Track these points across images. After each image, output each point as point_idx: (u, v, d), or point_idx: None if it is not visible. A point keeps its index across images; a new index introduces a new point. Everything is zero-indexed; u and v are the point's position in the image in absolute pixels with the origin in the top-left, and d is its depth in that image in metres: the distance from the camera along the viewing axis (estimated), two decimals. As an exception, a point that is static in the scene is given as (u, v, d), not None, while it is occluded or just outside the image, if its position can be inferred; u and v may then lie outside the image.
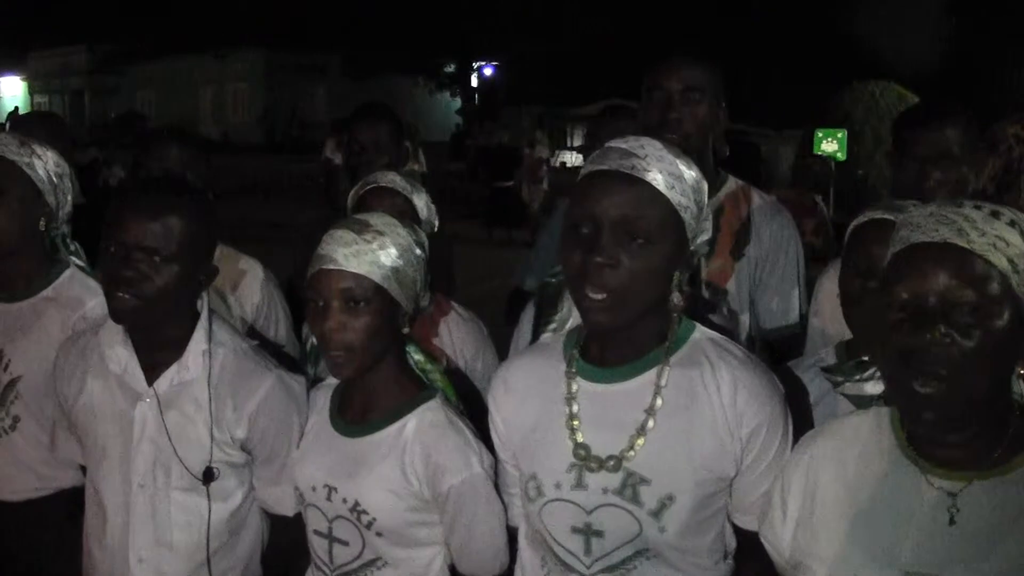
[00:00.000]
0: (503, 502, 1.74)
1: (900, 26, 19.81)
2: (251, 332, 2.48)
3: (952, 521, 1.27)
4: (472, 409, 1.85)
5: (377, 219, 1.77)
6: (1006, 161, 2.58)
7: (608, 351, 1.53)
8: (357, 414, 1.80)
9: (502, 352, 2.27)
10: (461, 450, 1.72)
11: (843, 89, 15.11)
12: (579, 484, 1.51)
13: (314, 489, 1.79)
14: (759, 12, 22.95)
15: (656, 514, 1.48)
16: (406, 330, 1.79)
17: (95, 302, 2.10)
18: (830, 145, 12.68)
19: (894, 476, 1.33)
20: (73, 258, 2.24)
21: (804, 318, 2.37)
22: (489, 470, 1.72)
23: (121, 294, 1.73)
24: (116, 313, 1.77)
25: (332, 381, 1.88)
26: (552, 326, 1.77)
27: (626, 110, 3.28)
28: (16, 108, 24.96)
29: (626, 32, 23.66)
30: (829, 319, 2.20)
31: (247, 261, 2.63)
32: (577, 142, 22.87)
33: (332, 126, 16.17)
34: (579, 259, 1.43)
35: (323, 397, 1.88)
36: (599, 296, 1.42)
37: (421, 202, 2.35)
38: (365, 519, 1.74)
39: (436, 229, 2.40)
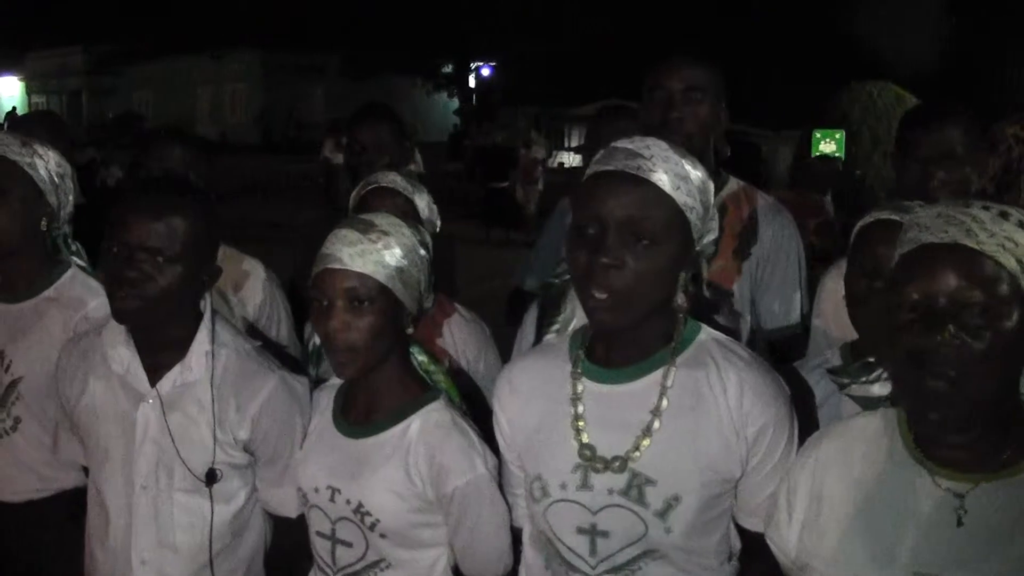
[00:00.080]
0: (507, 503, 1.74)
1: (900, 26, 19.78)
2: (252, 332, 2.48)
3: (960, 522, 1.27)
4: (475, 410, 1.85)
5: (382, 219, 1.76)
6: (1006, 161, 2.57)
7: (613, 352, 1.53)
8: (360, 415, 1.79)
9: (503, 353, 2.27)
10: (465, 451, 1.71)
11: (841, 90, 15.11)
12: (584, 485, 1.51)
13: (317, 490, 1.78)
14: (759, 12, 22.93)
15: (662, 515, 1.47)
16: (410, 331, 1.78)
17: (97, 302, 2.09)
18: (828, 146, 12.66)
19: (901, 477, 1.33)
20: (75, 258, 2.23)
21: (805, 319, 2.37)
22: (493, 471, 1.72)
23: (124, 294, 1.72)
24: (119, 314, 1.76)
25: (335, 382, 1.87)
26: (555, 327, 1.77)
27: (626, 110, 3.27)
28: (14, 108, 24.99)
29: (625, 32, 23.63)
30: (832, 319, 2.19)
31: (249, 262, 2.64)
32: (575, 142, 22.81)
33: (330, 126, 16.19)
34: (585, 260, 1.43)
35: (326, 398, 1.88)
36: (604, 296, 1.41)
37: (423, 202, 2.35)
38: (368, 520, 1.73)
39: (438, 229, 2.40)
